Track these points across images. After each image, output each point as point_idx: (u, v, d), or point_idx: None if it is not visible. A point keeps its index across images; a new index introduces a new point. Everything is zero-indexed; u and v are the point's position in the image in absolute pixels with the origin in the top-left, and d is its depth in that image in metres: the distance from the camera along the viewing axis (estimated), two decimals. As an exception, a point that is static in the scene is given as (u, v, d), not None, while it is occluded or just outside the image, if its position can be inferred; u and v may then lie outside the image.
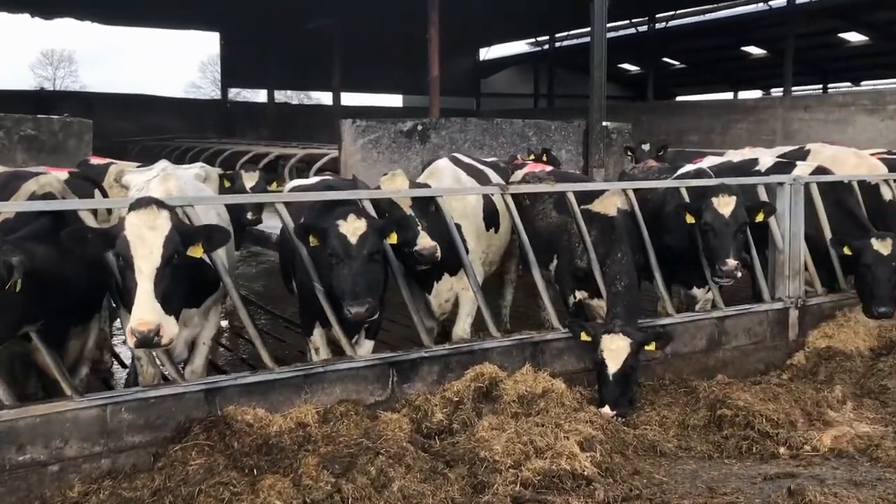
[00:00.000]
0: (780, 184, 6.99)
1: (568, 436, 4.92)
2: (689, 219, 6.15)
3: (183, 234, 4.34)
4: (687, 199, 6.42)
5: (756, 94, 38.99)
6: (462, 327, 6.19)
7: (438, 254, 5.33)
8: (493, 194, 6.05)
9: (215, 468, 4.18)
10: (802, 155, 8.60)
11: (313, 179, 6.29)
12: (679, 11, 31.59)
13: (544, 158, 10.98)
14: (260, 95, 42.88)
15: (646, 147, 11.88)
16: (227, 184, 8.10)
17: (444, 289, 6.11)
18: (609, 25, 34.96)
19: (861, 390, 6.28)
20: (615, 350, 5.53)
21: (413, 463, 4.40)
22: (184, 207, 4.72)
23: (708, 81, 41.00)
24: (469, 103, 39.72)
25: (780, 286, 7.05)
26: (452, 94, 37.19)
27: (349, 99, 42.46)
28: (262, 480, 4.06)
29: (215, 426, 4.56)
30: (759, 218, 6.24)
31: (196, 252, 4.44)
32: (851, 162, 7.89)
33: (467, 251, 6.02)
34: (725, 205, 6.00)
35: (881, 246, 6.60)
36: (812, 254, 7.18)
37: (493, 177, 6.84)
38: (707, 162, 8.73)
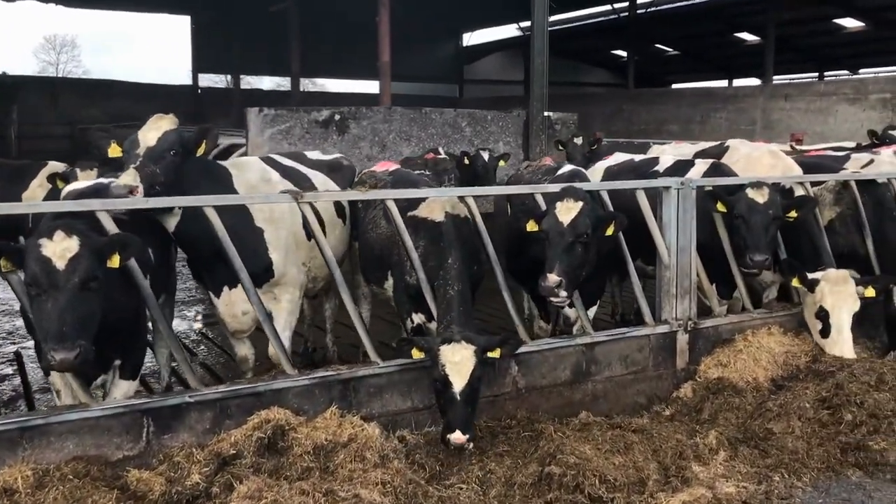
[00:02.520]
0: (667, 188, 6.00)
1: (338, 508, 3.99)
2: (531, 226, 5.22)
3: None
4: (542, 205, 5.47)
5: (755, 81, 37.63)
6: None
7: (139, 193, 4.35)
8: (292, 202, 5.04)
9: None
10: (721, 152, 7.63)
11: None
12: (663, -5, 30.47)
13: (466, 162, 9.81)
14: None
15: (578, 141, 10.82)
16: (60, 184, 7.14)
17: (240, 298, 5.09)
18: (595, 10, 33.99)
19: (744, 434, 5.30)
20: (459, 362, 4.53)
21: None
22: None
23: (702, 69, 39.71)
24: (451, 90, 38.52)
25: (665, 306, 6.07)
26: (433, 81, 36.22)
27: (331, 85, 41.59)
28: None
29: None
30: (609, 231, 5.25)
31: None
32: (766, 162, 6.91)
33: (271, 261, 5.14)
34: (566, 212, 5.05)
35: (756, 194, 5.93)
36: (708, 267, 6.24)
37: (321, 182, 5.87)
38: (612, 160, 7.75)
